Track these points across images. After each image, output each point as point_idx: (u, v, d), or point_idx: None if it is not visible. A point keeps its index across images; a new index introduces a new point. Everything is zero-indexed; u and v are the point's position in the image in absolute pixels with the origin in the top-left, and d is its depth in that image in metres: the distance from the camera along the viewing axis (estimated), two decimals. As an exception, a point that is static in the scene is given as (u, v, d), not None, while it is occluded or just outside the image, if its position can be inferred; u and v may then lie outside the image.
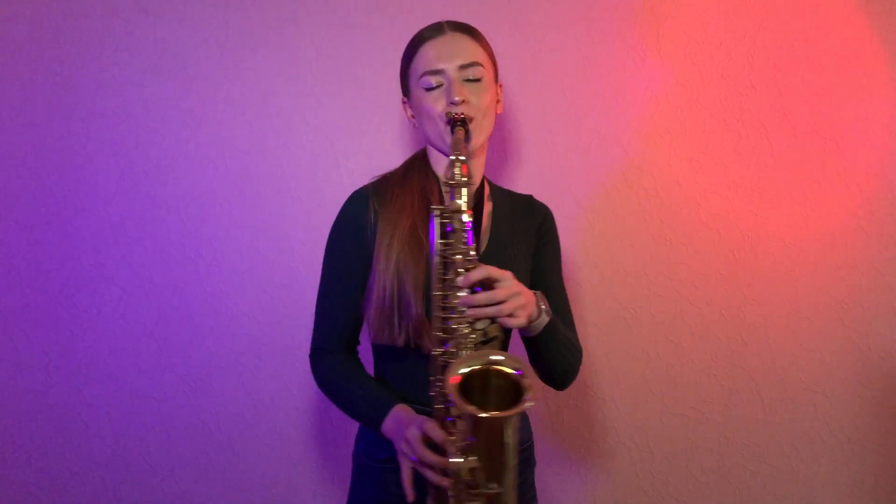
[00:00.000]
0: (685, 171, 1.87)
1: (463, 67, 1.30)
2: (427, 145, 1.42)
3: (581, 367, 1.38)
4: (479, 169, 1.38)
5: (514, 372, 1.10)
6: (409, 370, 1.32)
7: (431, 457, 1.13)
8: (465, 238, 1.18)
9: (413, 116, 1.40)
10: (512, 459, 1.09)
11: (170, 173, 1.86)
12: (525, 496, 1.39)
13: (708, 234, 1.87)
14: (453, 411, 1.16)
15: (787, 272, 1.87)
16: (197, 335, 1.87)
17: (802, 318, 1.88)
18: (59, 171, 1.85)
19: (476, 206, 1.35)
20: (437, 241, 1.19)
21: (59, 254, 1.85)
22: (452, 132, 1.25)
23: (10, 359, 1.86)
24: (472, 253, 1.18)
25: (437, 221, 1.20)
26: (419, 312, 1.25)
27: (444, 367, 1.17)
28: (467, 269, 1.16)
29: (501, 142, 1.86)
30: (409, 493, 1.18)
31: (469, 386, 1.09)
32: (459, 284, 1.16)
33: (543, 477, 1.85)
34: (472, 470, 1.08)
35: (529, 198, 1.49)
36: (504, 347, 1.32)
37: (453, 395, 1.05)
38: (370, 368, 1.42)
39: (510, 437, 1.08)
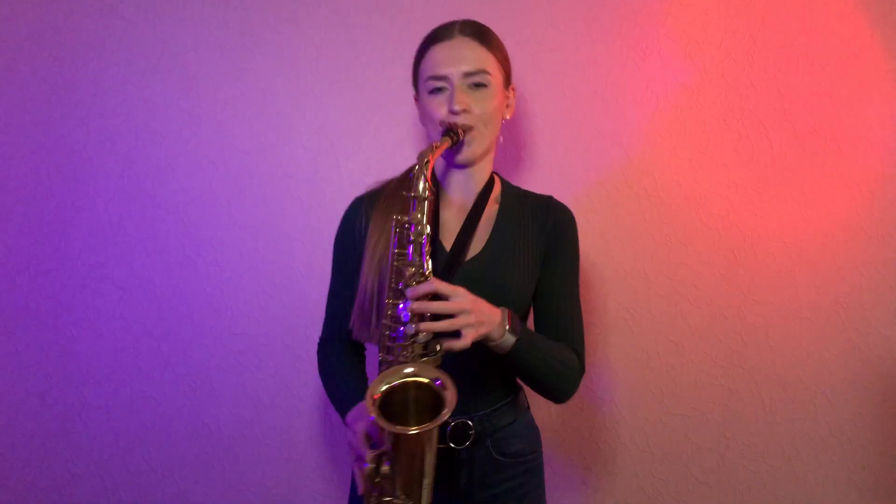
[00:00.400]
0: (685, 171, 1.87)
1: (468, 74, 1.29)
2: None
3: (575, 384, 1.35)
4: (484, 170, 1.39)
5: (432, 382, 1.12)
6: None
7: (363, 454, 1.14)
8: (422, 251, 1.18)
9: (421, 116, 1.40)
10: (428, 474, 1.13)
11: (170, 173, 1.86)
12: None
13: (708, 234, 1.87)
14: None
15: (787, 272, 1.87)
16: (197, 335, 1.87)
17: (802, 318, 1.88)
18: (59, 171, 1.85)
19: (478, 206, 1.36)
20: (393, 250, 1.20)
21: (59, 254, 1.85)
22: (441, 139, 1.25)
23: (10, 359, 1.86)
24: (427, 268, 1.18)
25: (392, 231, 1.21)
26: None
27: None
28: (417, 283, 1.16)
29: (502, 143, 1.86)
30: (360, 485, 1.18)
31: (391, 400, 1.11)
32: (407, 297, 1.15)
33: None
34: (384, 477, 1.11)
35: (548, 199, 1.43)
36: (468, 365, 1.29)
37: (371, 411, 1.07)
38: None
39: (426, 451, 1.11)
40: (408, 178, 1.36)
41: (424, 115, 1.35)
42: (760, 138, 1.86)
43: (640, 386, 1.89)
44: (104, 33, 1.85)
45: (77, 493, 1.88)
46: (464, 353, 1.26)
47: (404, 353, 1.16)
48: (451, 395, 1.09)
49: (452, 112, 1.28)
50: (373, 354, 1.45)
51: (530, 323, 1.41)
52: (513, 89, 1.42)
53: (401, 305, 1.17)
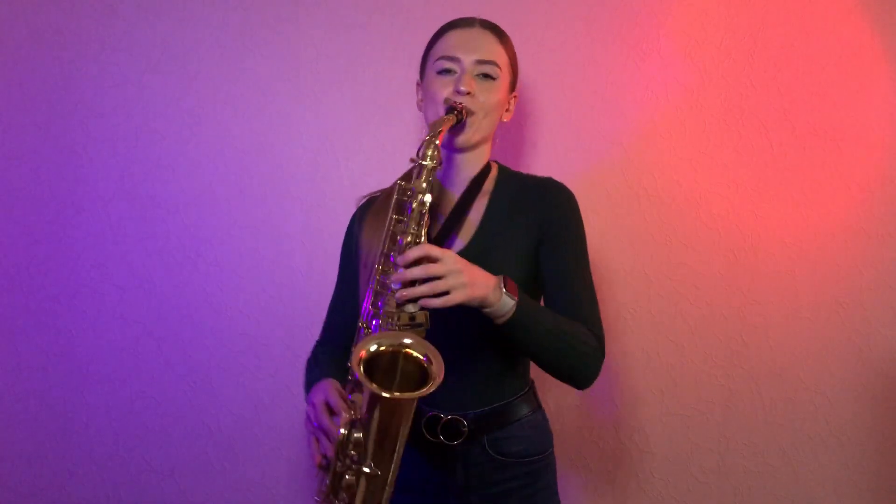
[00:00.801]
0: (685, 171, 1.87)
1: (480, 62, 1.30)
2: None
3: (593, 364, 1.29)
4: (475, 162, 1.37)
5: (421, 358, 1.08)
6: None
7: (325, 423, 1.12)
8: (420, 220, 1.15)
9: (421, 100, 1.39)
10: (399, 447, 1.09)
11: (170, 173, 1.86)
12: None
13: (708, 234, 1.87)
14: (356, 386, 1.14)
15: (787, 272, 1.87)
16: (197, 335, 1.87)
17: (802, 318, 1.88)
18: (59, 171, 1.85)
19: (465, 199, 1.34)
20: (391, 216, 1.17)
21: (59, 254, 1.85)
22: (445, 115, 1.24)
23: (10, 359, 1.86)
24: (423, 237, 1.15)
25: (394, 198, 1.18)
26: None
27: None
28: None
29: (501, 142, 1.86)
30: (315, 455, 1.16)
31: (376, 365, 1.07)
32: (397, 263, 1.11)
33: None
34: (356, 445, 1.07)
35: (545, 181, 1.37)
36: (464, 343, 1.26)
37: (354, 367, 1.04)
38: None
39: (402, 424, 1.07)
40: (399, 185, 1.36)
41: (427, 96, 1.34)
42: (760, 138, 1.86)
43: (640, 386, 1.89)
44: (104, 33, 1.85)
45: (77, 493, 1.88)
46: (462, 351, 1.26)
47: (389, 320, 1.12)
48: (437, 370, 1.05)
49: (458, 91, 1.27)
50: None
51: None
52: (515, 96, 1.43)
53: (388, 275, 1.14)
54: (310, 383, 1.30)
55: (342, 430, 1.08)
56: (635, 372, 1.89)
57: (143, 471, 1.89)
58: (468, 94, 1.27)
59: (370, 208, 1.37)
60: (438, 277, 1.08)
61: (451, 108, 1.25)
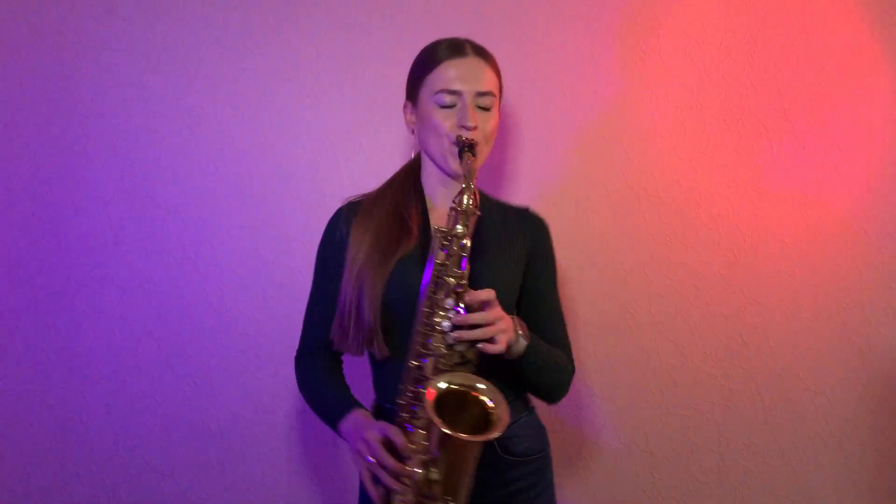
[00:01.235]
0: (685, 171, 1.87)
1: (479, 94, 1.33)
2: (423, 156, 1.43)
3: (580, 367, 1.41)
4: None
5: (488, 402, 1.16)
6: (388, 377, 1.35)
7: (390, 460, 1.18)
8: (461, 263, 1.22)
9: (413, 123, 1.41)
10: (469, 480, 1.18)
11: (170, 173, 1.86)
12: None
13: (708, 234, 1.87)
14: (416, 423, 1.21)
15: (787, 272, 1.87)
16: (197, 335, 1.87)
17: (802, 318, 1.88)
18: (59, 171, 1.85)
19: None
20: (435, 260, 1.23)
21: (59, 254, 1.85)
22: (461, 157, 1.29)
23: (10, 359, 1.86)
24: (464, 280, 1.22)
25: (437, 243, 1.24)
26: (370, 321, 1.30)
27: (416, 380, 1.22)
28: (457, 293, 1.21)
29: (501, 142, 1.86)
30: (373, 490, 1.23)
31: (444, 401, 1.15)
32: (465, 301, 1.20)
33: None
34: (430, 482, 1.15)
35: (524, 211, 1.48)
36: (478, 371, 1.32)
37: (428, 408, 1.11)
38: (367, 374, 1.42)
39: (472, 459, 1.16)
40: (391, 185, 1.42)
41: (427, 126, 1.36)
42: (760, 138, 1.86)
43: (640, 386, 1.89)
44: (104, 33, 1.85)
45: (77, 493, 1.88)
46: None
47: (442, 360, 1.21)
48: (503, 413, 1.14)
49: (466, 127, 1.31)
50: (350, 365, 1.46)
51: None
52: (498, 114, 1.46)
53: (436, 316, 1.21)
54: (331, 411, 1.35)
55: (418, 471, 1.16)
56: (635, 372, 1.89)
57: (143, 471, 1.89)
58: (474, 128, 1.32)
59: (355, 215, 1.39)
60: (488, 323, 1.19)
61: (461, 146, 1.30)
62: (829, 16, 1.85)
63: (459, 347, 1.21)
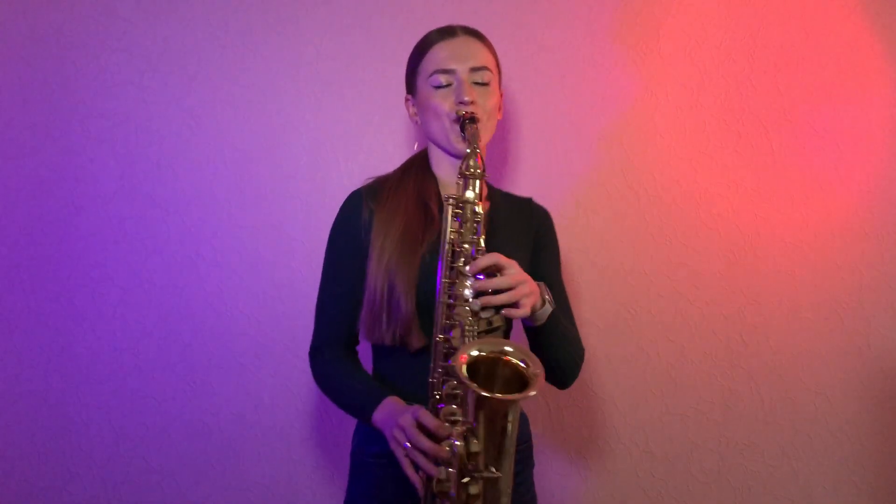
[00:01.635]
0: (685, 171, 1.87)
1: (474, 70, 1.33)
2: (429, 145, 1.42)
3: (581, 367, 1.39)
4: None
5: (520, 363, 1.11)
6: (404, 368, 1.32)
7: (426, 443, 1.11)
8: (476, 228, 1.21)
9: (416, 114, 1.41)
10: (511, 446, 1.10)
11: (170, 173, 1.86)
12: (524, 497, 1.38)
13: (708, 234, 1.87)
14: (450, 399, 1.17)
15: (787, 272, 1.87)
16: (197, 335, 1.87)
17: (802, 318, 1.88)
18: (59, 171, 1.85)
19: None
20: (448, 229, 1.22)
21: (59, 254, 1.85)
22: (463, 129, 1.28)
23: (10, 359, 1.86)
24: (483, 243, 1.21)
25: (450, 211, 1.23)
26: (409, 310, 1.26)
27: (447, 355, 1.19)
28: (474, 259, 1.19)
29: (501, 142, 1.86)
30: (414, 477, 1.15)
31: (474, 370, 1.09)
32: (467, 272, 1.18)
33: (543, 477, 1.85)
34: (471, 454, 1.07)
35: (528, 201, 1.49)
36: (506, 337, 1.33)
37: (460, 373, 1.05)
38: (368, 368, 1.42)
39: (512, 423, 1.08)
40: (409, 167, 1.41)
41: (427, 111, 1.35)
42: (760, 138, 1.86)
43: (640, 386, 1.89)
44: (104, 33, 1.85)
45: (77, 493, 1.88)
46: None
47: (469, 329, 1.18)
48: (536, 370, 1.09)
49: (462, 102, 1.30)
50: (365, 354, 1.46)
51: (517, 324, 1.40)
52: (501, 94, 1.44)
53: (456, 285, 1.19)
54: (360, 403, 1.28)
55: (457, 443, 1.08)
56: (635, 372, 1.89)
57: (143, 471, 1.89)
58: (472, 102, 1.31)
59: (378, 196, 1.36)
60: (511, 287, 1.17)
61: (462, 119, 1.29)
62: (829, 16, 1.85)
63: (485, 314, 1.18)
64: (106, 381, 1.87)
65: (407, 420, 1.15)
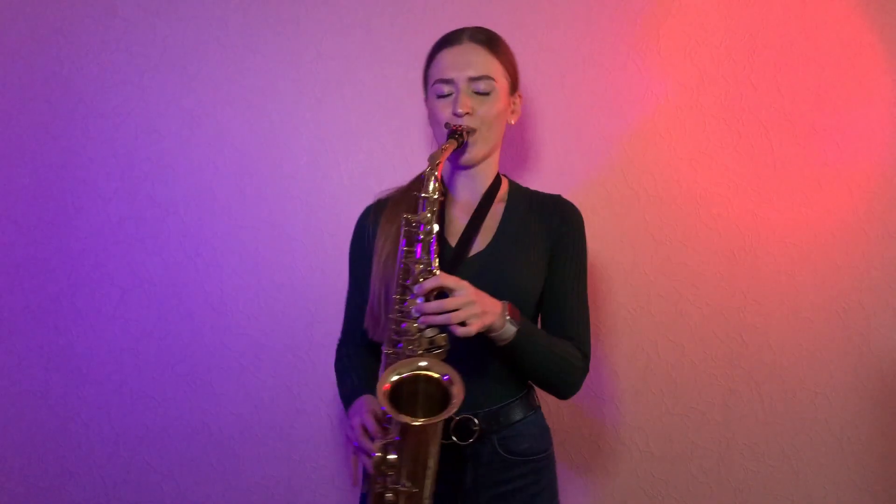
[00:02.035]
0: (685, 171, 1.87)
1: (472, 80, 1.33)
2: None
3: (580, 380, 1.37)
4: (489, 171, 1.43)
5: (440, 377, 1.17)
6: None
7: (366, 445, 1.19)
8: (430, 248, 1.22)
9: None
10: (432, 464, 1.19)
11: (170, 173, 1.86)
12: None
13: (708, 234, 1.87)
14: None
15: (787, 272, 1.87)
16: (197, 335, 1.87)
17: (802, 318, 1.88)
18: (59, 171, 1.85)
19: (483, 204, 1.40)
20: (402, 248, 1.24)
21: (59, 254, 1.85)
22: (447, 141, 1.29)
23: (10, 359, 1.86)
24: (435, 265, 1.22)
25: (404, 229, 1.25)
26: None
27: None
28: (425, 279, 1.20)
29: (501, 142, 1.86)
30: (354, 476, 1.27)
31: (401, 392, 1.16)
32: (415, 293, 1.19)
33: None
34: (391, 466, 1.16)
35: (556, 198, 1.46)
36: (449, 357, 1.29)
37: (381, 401, 1.13)
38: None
39: (431, 443, 1.18)
40: (418, 181, 1.40)
41: (431, 118, 1.40)
42: (760, 138, 1.86)
43: (640, 386, 1.89)
44: (104, 33, 1.85)
45: (77, 493, 1.88)
46: (471, 348, 1.28)
47: (410, 346, 1.20)
48: (458, 391, 1.14)
49: (456, 114, 1.31)
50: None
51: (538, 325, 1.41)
52: (519, 96, 1.45)
53: (407, 302, 1.21)
54: (347, 397, 1.37)
55: (377, 453, 1.17)
56: (635, 372, 1.89)
57: (143, 471, 1.89)
58: (467, 114, 1.32)
59: (383, 209, 1.40)
60: (456, 308, 1.16)
61: (452, 132, 1.30)
62: (829, 16, 1.85)
63: (429, 333, 1.20)
64: (106, 381, 1.87)
65: (357, 421, 1.23)
